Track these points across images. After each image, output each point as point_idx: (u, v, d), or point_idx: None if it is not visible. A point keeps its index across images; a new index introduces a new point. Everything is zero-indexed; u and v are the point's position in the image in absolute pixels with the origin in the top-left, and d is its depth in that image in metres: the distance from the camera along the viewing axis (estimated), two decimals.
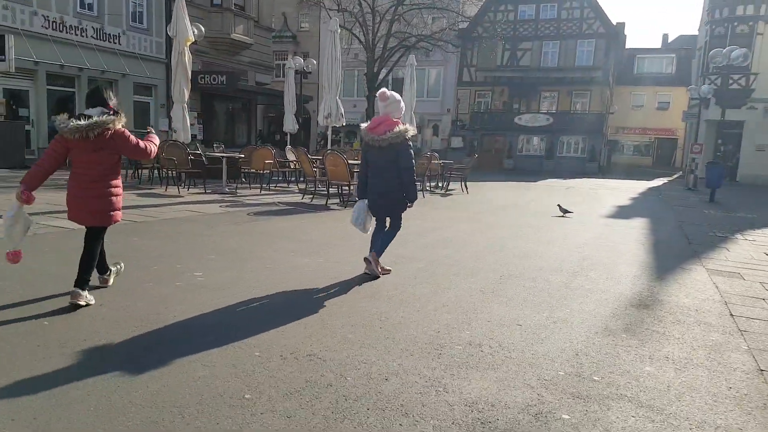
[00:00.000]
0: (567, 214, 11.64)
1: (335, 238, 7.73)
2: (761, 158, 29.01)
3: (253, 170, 13.69)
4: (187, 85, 13.66)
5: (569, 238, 8.93)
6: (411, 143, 5.36)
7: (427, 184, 17.15)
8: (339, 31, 13.23)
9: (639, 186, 24.15)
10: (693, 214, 13.58)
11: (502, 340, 3.98)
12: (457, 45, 29.89)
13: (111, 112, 4.29)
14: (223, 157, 12.89)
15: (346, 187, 11.48)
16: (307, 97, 27.94)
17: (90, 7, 19.21)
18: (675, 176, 34.64)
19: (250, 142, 25.63)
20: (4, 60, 15.96)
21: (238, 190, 12.91)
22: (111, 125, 4.21)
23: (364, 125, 5.50)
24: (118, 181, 4.46)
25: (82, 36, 18.69)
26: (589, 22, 36.28)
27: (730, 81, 28.70)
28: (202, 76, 22.93)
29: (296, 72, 21.59)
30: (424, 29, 28.83)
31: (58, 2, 17.93)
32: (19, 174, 15.40)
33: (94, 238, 4.40)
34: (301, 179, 14.75)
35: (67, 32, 18.15)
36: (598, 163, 36.74)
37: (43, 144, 18.02)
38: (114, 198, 4.39)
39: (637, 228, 10.47)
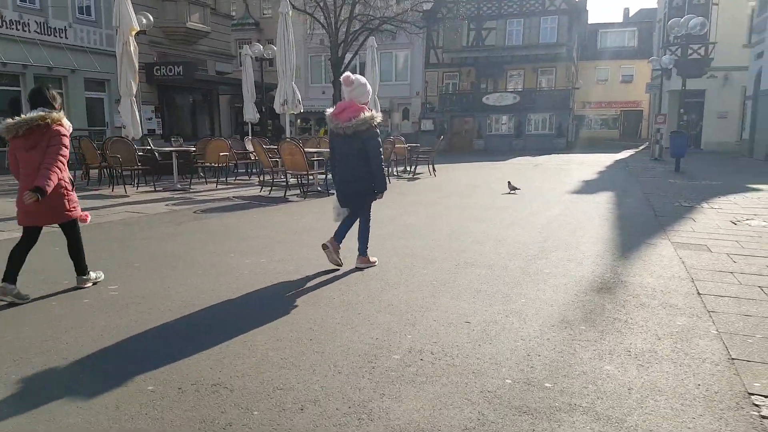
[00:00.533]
0: (515, 191, 11.54)
1: (287, 234, 7.21)
2: (723, 125, 29.20)
3: (209, 164, 13.01)
4: (134, 77, 12.93)
5: (533, 217, 8.53)
6: (378, 130, 5.08)
7: (394, 168, 16.67)
8: (291, 13, 12.57)
9: (606, 159, 23.94)
10: (659, 184, 13.30)
11: (447, 343, 3.52)
12: (421, 26, 29.20)
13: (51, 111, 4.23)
14: (173, 151, 12.20)
15: (309, 178, 10.93)
16: (272, 85, 27.10)
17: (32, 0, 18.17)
18: (641, 147, 34.64)
19: (215, 135, 24.81)
20: None
21: (192, 187, 12.26)
22: (42, 122, 4.15)
23: (329, 111, 5.18)
24: (63, 177, 4.32)
25: (25, 31, 17.65)
26: None
27: (690, 51, 28.39)
28: (158, 67, 22.04)
29: (256, 59, 20.86)
30: (387, 11, 28.11)
31: None
32: None
33: (70, 235, 4.53)
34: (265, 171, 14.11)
35: (7, 27, 17.12)
36: (566, 139, 36.57)
37: None
38: (61, 196, 4.32)
39: (602, 203, 10.11)
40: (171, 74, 21.78)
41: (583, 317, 4.02)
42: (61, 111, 4.37)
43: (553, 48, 35.83)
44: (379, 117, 5.06)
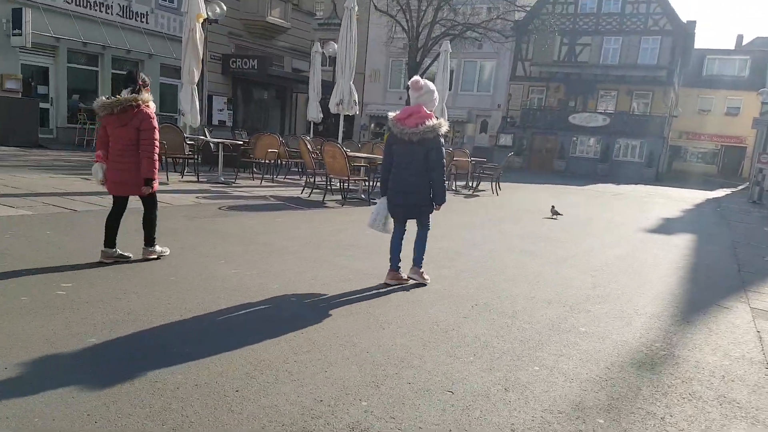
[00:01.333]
0: (556, 216, 10.88)
1: (294, 243, 6.56)
2: None
3: (257, 160, 12.64)
4: (197, 65, 12.76)
5: (589, 255, 7.47)
6: (443, 140, 4.90)
7: (453, 183, 15.82)
8: (356, 8, 12.00)
9: (697, 196, 21.96)
10: (752, 232, 11.74)
11: (408, 421, 2.71)
12: (507, 36, 28.04)
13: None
14: (219, 143, 11.90)
15: (353, 183, 10.30)
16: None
17: None
18: (740, 188, 31.81)
19: (285, 132, 24.81)
20: (20, 34, 15.56)
21: (236, 181, 11.91)
22: (134, 102, 4.63)
23: (391, 114, 4.95)
24: None
25: (108, 13, 18.16)
26: (656, 18, 33.75)
27: None
28: (234, 60, 22.22)
29: (331, 58, 20.58)
30: (472, 17, 27.16)
31: None
32: (31, 152, 15.25)
33: (148, 206, 5.04)
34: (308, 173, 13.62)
35: (91, 8, 17.64)
36: (657, 169, 34.25)
37: (62, 123, 17.64)
38: (135, 172, 4.75)
39: (678, 247, 8.86)
40: (246, 67, 21.90)
41: (606, 405, 3.09)
42: (149, 93, 4.81)
43: (652, 70, 33.68)
44: (446, 126, 4.84)
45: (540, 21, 32.59)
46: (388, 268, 5.13)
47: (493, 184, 15.80)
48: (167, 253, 5.22)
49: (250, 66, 21.74)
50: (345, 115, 12.62)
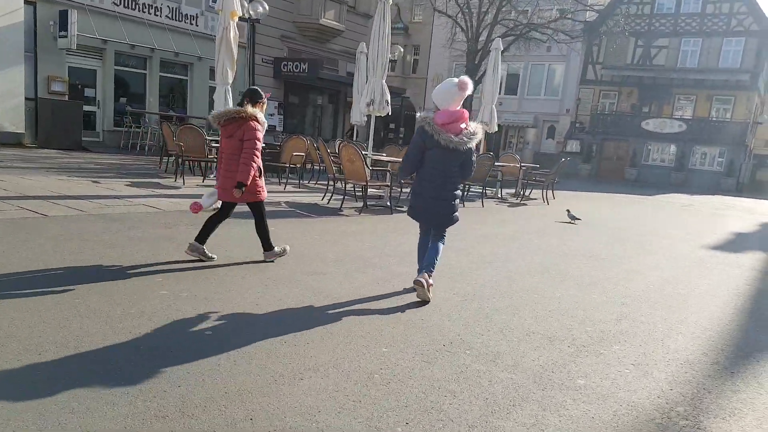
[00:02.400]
0: (575, 221, 10.34)
1: (283, 258, 5.77)
2: None
3: (284, 163, 12.01)
4: (231, 65, 12.35)
5: (628, 277, 6.27)
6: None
7: (500, 190, 14.66)
8: (391, 1, 11.13)
9: None
10: None
11: None
12: (573, 37, 26.40)
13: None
14: None
15: (375, 189, 9.47)
16: (399, 89, 26.08)
17: None
18: None
19: (336, 137, 24.29)
20: (66, 36, 15.69)
21: None
22: (237, 115, 4.91)
23: (424, 115, 4.52)
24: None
25: (157, 15, 18.15)
26: (740, 18, 31.13)
27: None
28: (285, 63, 21.90)
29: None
30: (538, 17, 25.75)
31: None
32: (71, 155, 15.31)
33: (256, 214, 5.29)
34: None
35: (140, 11, 17.68)
36: (737, 179, 31.49)
37: (108, 126, 17.74)
38: (252, 180, 4.98)
39: (744, 269, 7.46)
40: (296, 71, 21.52)
41: None
42: (257, 108, 5.05)
43: (735, 74, 31.09)
44: (482, 132, 4.69)
45: (613, 22, 30.69)
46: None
47: (545, 192, 14.57)
48: (287, 252, 5.51)
49: (301, 69, 21.32)
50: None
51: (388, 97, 11.25)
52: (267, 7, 15.76)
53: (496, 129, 14.46)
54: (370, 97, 11.24)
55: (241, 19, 16.70)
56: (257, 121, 4.96)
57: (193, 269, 4.95)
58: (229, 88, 12.35)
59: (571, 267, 6.58)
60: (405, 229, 7.71)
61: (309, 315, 4.11)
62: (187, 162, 11.51)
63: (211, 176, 11.52)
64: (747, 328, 4.78)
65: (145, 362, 3.05)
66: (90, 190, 8.75)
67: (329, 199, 9.98)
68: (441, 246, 4.82)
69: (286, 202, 9.62)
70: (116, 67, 17.73)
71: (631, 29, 30.94)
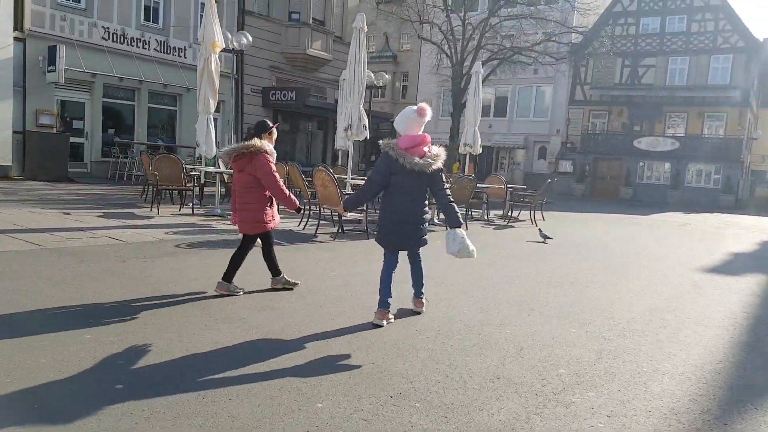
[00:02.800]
0: (546, 241, 10.08)
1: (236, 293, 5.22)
2: None
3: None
4: (213, 94, 11.87)
5: (614, 306, 5.69)
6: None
7: (487, 212, 14.12)
8: (366, 28, 10.79)
9: None
10: None
11: None
12: (558, 59, 26.09)
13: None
14: (217, 173, 10.88)
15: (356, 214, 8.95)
16: (386, 114, 25.76)
17: (155, 19, 18.39)
18: None
19: (326, 162, 23.88)
20: (54, 71, 15.37)
21: None
22: (246, 150, 4.84)
23: (387, 141, 4.52)
24: (260, 198, 4.93)
25: (145, 48, 17.87)
26: (726, 35, 30.88)
27: None
28: (274, 92, 21.60)
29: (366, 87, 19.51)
30: (520, 40, 25.47)
31: (120, 14, 17.22)
32: (55, 186, 14.86)
33: (244, 241, 5.10)
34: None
35: (128, 44, 17.40)
36: (735, 196, 30.88)
37: (96, 157, 17.33)
38: (251, 212, 4.93)
39: (742, 293, 6.87)
40: (285, 99, 21.20)
41: None
42: (266, 139, 4.99)
43: (725, 90, 30.69)
44: (444, 155, 4.58)
45: (598, 43, 30.45)
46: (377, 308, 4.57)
47: (532, 213, 14.03)
48: (240, 293, 5.09)
49: (289, 98, 21.02)
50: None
51: (366, 122, 10.82)
52: (250, 39, 15.43)
53: (480, 151, 13.98)
54: (347, 122, 10.81)
55: (225, 50, 16.48)
56: (266, 153, 4.90)
57: (134, 306, 4.39)
58: (211, 117, 11.91)
59: (550, 296, 6.01)
60: (377, 257, 7.17)
61: (243, 360, 3.55)
62: (165, 191, 11.00)
63: (191, 204, 11.03)
64: (744, 365, 4.19)
65: None
66: (57, 222, 8.25)
67: (305, 225, 9.45)
68: (422, 265, 4.87)
69: None
70: (105, 100, 17.39)
71: (618, 50, 30.64)
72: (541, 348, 4.20)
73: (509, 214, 14.05)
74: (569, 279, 6.99)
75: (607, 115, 34.46)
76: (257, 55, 21.44)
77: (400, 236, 4.64)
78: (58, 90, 16.19)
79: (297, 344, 3.93)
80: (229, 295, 4.97)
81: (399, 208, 4.55)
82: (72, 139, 16.63)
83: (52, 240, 6.79)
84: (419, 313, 4.89)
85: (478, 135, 13.77)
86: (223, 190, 11.27)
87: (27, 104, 15.46)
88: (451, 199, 4.66)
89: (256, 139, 4.92)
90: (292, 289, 5.34)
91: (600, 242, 11.33)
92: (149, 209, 10.33)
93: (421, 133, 4.54)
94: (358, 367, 3.59)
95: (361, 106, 10.85)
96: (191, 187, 10.64)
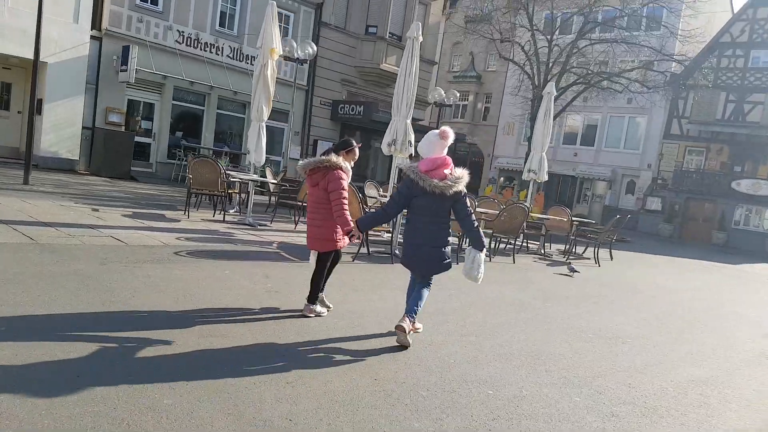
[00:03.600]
0: (572, 273, 9.72)
1: (204, 305, 4.74)
2: None
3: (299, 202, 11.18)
4: (267, 103, 11.71)
5: (650, 373, 4.72)
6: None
7: (543, 246, 13.01)
8: (421, 38, 10.24)
9: None
10: None
11: None
12: (650, 88, 24.31)
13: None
14: (250, 181, 10.61)
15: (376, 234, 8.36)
16: (460, 135, 24.91)
17: (230, 26, 18.73)
18: None
19: (389, 180, 23.43)
20: (126, 70, 15.89)
21: (270, 224, 10.50)
22: (320, 165, 4.77)
23: (408, 163, 4.65)
24: (331, 216, 4.78)
25: (218, 54, 18.19)
26: None
27: None
28: (342, 106, 21.44)
29: (435, 104, 19.01)
30: (614, 66, 23.92)
31: (196, 19, 17.62)
32: (115, 183, 15.23)
33: (320, 261, 4.97)
34: None
35: (202, 49, 17.76)
36: None
37: (162, 158, 17.72)
38: (322, 229, 4.84)
39: None
40: (352, 113, 20.99)
41: None
42: (346, 158, 4.91)
43: None
44: (467, 177, 4.52)
45: (701, 75, 28.24)
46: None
47: (596, 250, 12.84)
48: (324, 314, 5.04)
49: (356, 112, 20.76)
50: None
51: (412, 138, 10.20)
52: (315, 48, 15.31)
53: (545, 178, 12.94)
54: (392, 137, 10.26)
55: (289, 59, 16.45)
56: (341, 170, 4.80)
57: (57, 319, 4.00)
58: (263, 125, 11.75)
59: (571, 351, 5.11)
60: (392, 284, 6.52)
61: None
62: (202, 196, 10.88)
63: (223, 211, 10.83)
64: None
65: None
66: (75, 217, 8.15)
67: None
68: (426, 292, 4.72)
69: (279, 243, 8.66)
70: (174, 102, 17.78)
71: (722, 83, 28.34)
72: (522, 419, 3.40)
73: (572, 250, 12.92)
74: (606, 332, 6.02)
75: (704, 152, 31.90)
76: (330, 67, 21.41)
77: (420, 259, 4.62)
78: (130, 90, 16.71)
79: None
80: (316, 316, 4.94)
81: (419, 230, 4.57)
82: (140, 139, 17.11)
83: (50, 235, 6.63)
84: (403, 337, 4.47)
85: (545, 161, 12.79)
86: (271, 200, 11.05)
87: (98, 101, 16.02)
88: (476, 225, 4.62)
89: (334, 154, 4.82)
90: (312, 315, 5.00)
91: (668, 291, 10.04)
92: (183, 212, 10.18)
93: (442, 155, 4.54)
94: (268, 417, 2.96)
95: (408, 120, 10.25)
96: (230, 193, 10.40)
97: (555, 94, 12.92)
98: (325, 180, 4.77)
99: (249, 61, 18.97)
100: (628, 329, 6.30)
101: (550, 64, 22.91)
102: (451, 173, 4.44)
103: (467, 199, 4.61)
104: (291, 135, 20.04)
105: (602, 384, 4.28)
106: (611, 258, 13.13)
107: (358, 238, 5.22)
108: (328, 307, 5.15)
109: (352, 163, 5.02)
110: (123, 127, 16.44)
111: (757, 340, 6.79)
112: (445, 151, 4.63)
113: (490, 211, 11.41)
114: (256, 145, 11.56)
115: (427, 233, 4.55)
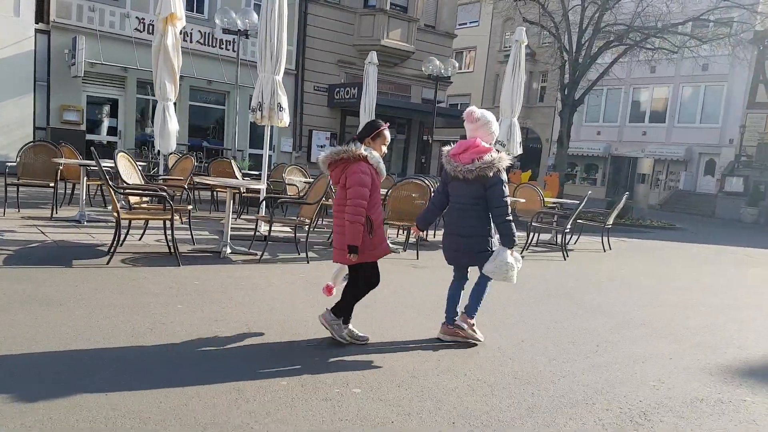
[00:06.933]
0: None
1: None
2: None
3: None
4: (171, 78, 10.26)
5: (632, 388, 2.77)
6: (505, 176, 4.25)
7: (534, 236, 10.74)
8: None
9: None
10: None
11: None
12: (734, 45, 20.51)
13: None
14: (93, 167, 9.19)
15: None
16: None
17: (200, 8, 17.68)
18: None
19: (405, 172, 21.59)
20: (74, 64, 15.14)
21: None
22: (337, 156, 3.99)
23: (446, 149, 4.42)
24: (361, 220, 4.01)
25: (186, 41, 17.10)
26: None
27: None
28: (337, 89, 19.83)
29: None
30: (666, 20, 20.09)
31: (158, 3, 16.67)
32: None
33: (353, 273, 4.21)
34: None
35: (218, 48, 17.03)
36: None
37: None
38: (343, 235, 4.04)
39: None
40: (347, 97, 19.29)
41: None
42: (373, 144, 4.05)
43: None
44: (507, 159, 4.23)
45: None
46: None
47: (603, 237, 10.54)
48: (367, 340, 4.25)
49: (351, 95, 19.04)
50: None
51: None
52: (257, 17, 13.80)
53: (520, 151, 10.65)
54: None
55: (230, 32, 15.08)
56: (366, 162, 3.95)
57: None
58: (169, 105, 10.30)
59: (560, 352, 3.22)
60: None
61: None
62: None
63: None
64: None
65: None
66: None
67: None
68: (484, 284, 4.44)
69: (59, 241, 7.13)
70: (139, 96, 16.95)
71: None
72: None
73: (532, 240, 10.41)
74: (605, 337, 4.03)
75: None
76: (323, 48, 19.91)
77: (446, 248, 4.50)
78: (88, 85, 15.98)
79: None
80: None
81: (450, 219, 4.51)
82: (108, 138, 16.45)
83: None
84: (474, 343, 4.33)
85: (517, 129, 10.59)
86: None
87: (51, 99, 15.38)
88: (506, 218, 4.19)
89: (354, 143, 3.96)
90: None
91: (672, 283, 7.65)
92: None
93: (471, 138, 4.32)
94: None
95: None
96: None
97: (526, 42, 10.60)
98: (344, 174, 3.96)
99: (225, 47, 17.89)
100: (620, 308, 4.27)
101: (585, 27, 20.02)
102: (480, 157, 4.13)
103: (501, 188, 4.18)
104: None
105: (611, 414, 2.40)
106: (610, 248, 10.69)
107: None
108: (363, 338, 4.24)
109: (384, 149, 4.10)
110: (82, 126, 15.73)
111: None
112: (485, 133, 4.29)
113: None
114: (161, 129, 10.23)
115: (454, 220, 4.45)
